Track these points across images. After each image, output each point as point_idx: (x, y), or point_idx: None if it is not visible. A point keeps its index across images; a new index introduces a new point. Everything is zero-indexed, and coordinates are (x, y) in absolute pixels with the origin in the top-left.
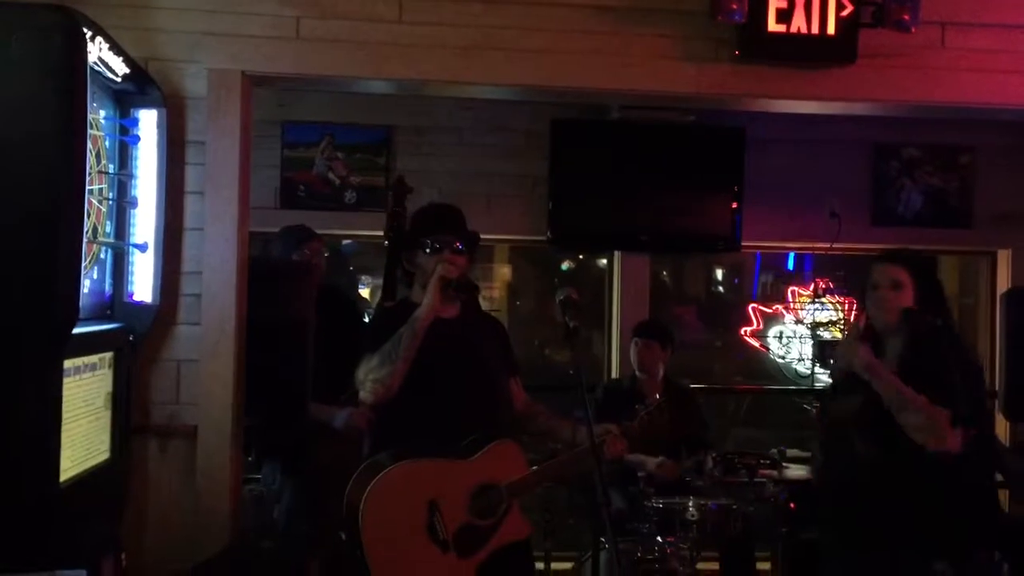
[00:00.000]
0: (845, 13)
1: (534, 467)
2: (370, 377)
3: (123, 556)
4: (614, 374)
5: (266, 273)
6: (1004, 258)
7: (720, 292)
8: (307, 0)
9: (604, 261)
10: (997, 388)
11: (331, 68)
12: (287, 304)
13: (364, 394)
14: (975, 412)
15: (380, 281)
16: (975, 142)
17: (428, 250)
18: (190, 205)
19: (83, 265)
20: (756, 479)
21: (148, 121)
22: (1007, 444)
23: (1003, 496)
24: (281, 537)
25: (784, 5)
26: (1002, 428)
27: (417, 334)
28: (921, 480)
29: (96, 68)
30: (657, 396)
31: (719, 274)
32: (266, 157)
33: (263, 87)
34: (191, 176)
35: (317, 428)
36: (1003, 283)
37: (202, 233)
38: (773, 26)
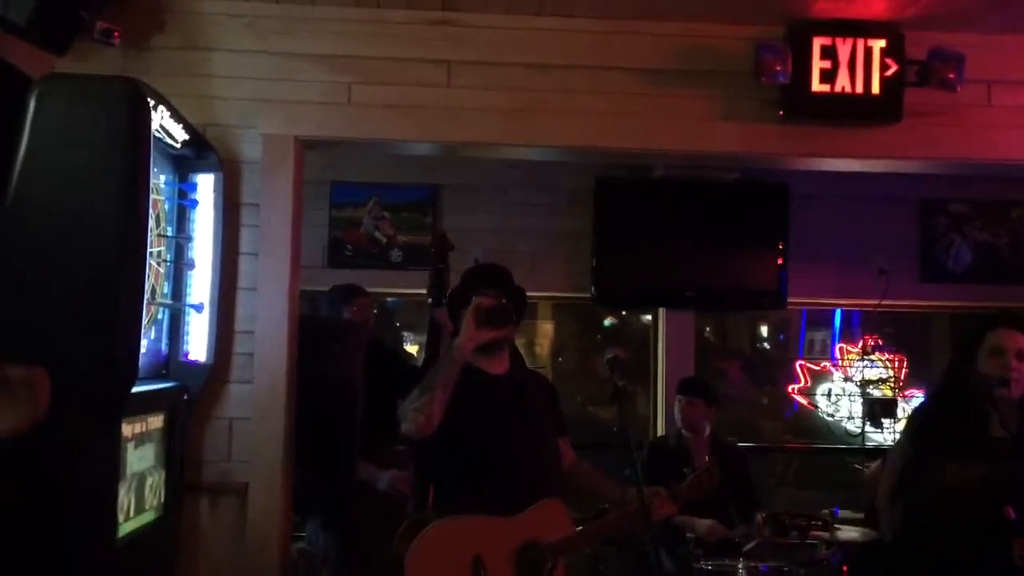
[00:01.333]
0: (890, 73)
1: (579, 527)
2: (411, 407)
3: None
4: (659, 431)
5: (316, 331)
6: None
7: (765, 348)
8: (359, 66)
9: (648, 318)
10: None
11: (382, 132)
12: (337, 362)
13: (406, 425)
14: None
15: (424, 338)
16: None
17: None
18: (244, 266)
19: (142, 326)
20: (808, 541)
21: (205, 185)
22: None
23: None
24: None
25: (828, 66)
26: None
27: (456, 362)
28: None
29: (158, 135)
30: (706, 457)
31: (764, 330)
32: (314, 217)
33: (314, 150)
34: (245, 237)
35: (362, 485)
36: None
37: (255, 293)
38: (817, 86)
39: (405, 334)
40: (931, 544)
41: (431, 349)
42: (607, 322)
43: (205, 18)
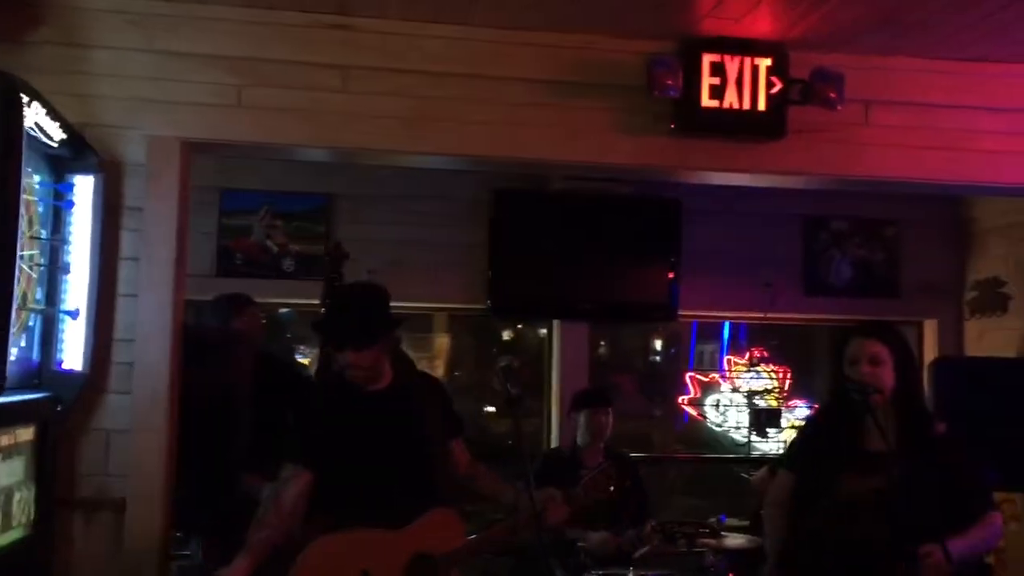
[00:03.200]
0: (774, 90)
1: (472, 536)
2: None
3: None
4: (553, 443)
5: (198, 341)
6: (930, 328)
7: (658, 361)
8: (249, 69)
9: (544, 330)
10: None
11: (273, 136)
12: (219, 373)
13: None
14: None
15: (317, 350)
16: (899, 215)
17: (333, 348)
18: (124, 271)
19: (10, 333)
20: (695, 548)
21: (84, 186)
22: None
23: None
24: None
25: (717, 82)
26: None
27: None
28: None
29: (32, 133)
30: (601, 460)
31: (657, 344)
32: (203, 224)
33: (203, 154)
34: (127, 242)
35: (248, 501)
36: (930, 352)
37: (136, 300)
38: (706, 101)
39: (297, 346)
40: (820, 560)
41: (323, 362)
42: (504, 335)
43: (86, 13)
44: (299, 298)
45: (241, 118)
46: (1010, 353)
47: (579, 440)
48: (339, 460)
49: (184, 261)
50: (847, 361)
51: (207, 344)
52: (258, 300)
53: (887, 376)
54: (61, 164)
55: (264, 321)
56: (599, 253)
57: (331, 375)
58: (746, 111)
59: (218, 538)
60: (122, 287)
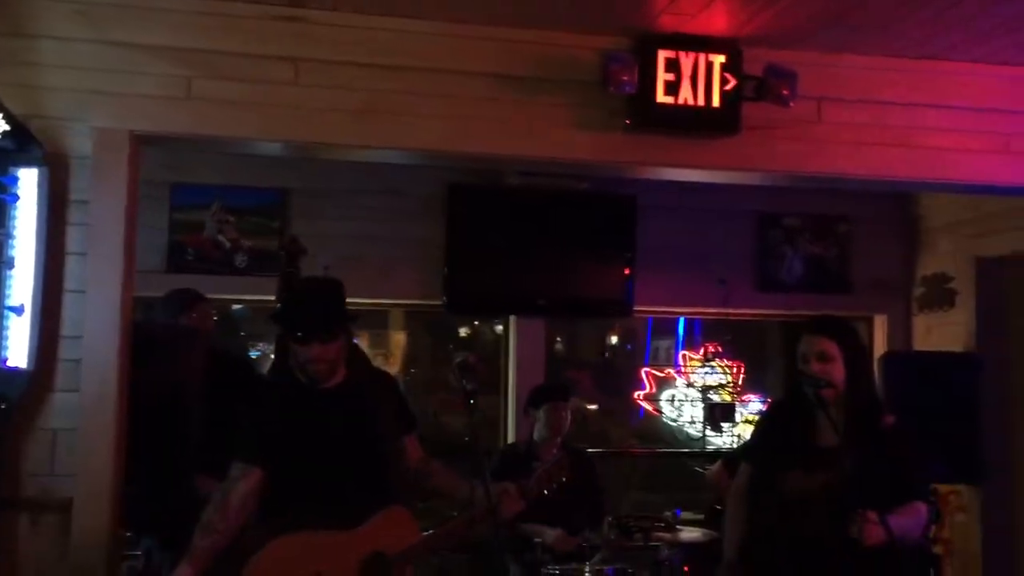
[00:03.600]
0: (729, 87)
1: (427, 532)
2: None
3: None
4: (510, 439)
5: (148, 338)
6: (880, 323)
7: (614, 357)
8: (199, 60)
9: (500, 327)
10: None
11: (223, 129)
12: (170, 370)
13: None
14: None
15: (271, 347)
16: (851, 212)
17: (295, 341)
18: (72, 266)
19: None
20: (651, 542)
21: (28, 179)
22: None
23: None
24: None
25: (672, 78)
26: None
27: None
28: (882, 558)
29: None
30: (555, 452)
31: (613, 339)
32: (154, 219)
33: (152, 147)
34: (74, 236)
35: (202, 500)
36: (880, 347)
37: (84, 296)
38: (662, 97)
39: (254, 343)
40: (774, 555)
41: (280, 358)
42: (461, 332)
43: (32, 2)
44: (252, 294)
45: (191, 110)
46: (957, 348)
47: (536, 435)
48: (292, 457)
49: (133, 256)
50: (800, 358)
51: (157, 341)
52: (210, 296)
53: (837, 372)
54: (5, 156)
55: (216, 318)
56: (555, 249)
57: (283, 372)
58: (701, 107)
59: (167, 535)
60: (69, 283)
